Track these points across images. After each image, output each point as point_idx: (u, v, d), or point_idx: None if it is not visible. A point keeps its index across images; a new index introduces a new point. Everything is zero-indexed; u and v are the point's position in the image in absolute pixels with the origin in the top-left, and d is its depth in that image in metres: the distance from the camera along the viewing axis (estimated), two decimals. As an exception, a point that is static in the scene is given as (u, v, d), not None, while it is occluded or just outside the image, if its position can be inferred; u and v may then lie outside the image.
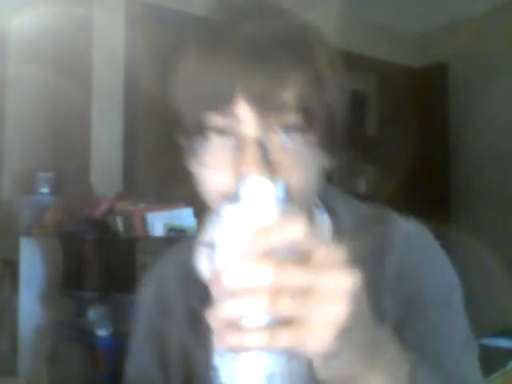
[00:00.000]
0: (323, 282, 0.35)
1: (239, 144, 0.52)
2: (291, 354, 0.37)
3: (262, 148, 0.51)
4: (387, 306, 0.57)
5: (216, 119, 0.53)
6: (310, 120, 0.53)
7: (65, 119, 2.58)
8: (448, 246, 0.65)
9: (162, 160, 2.15)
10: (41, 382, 2.23)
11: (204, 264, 0.65)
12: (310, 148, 0.54)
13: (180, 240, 0.74)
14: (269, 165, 0.51)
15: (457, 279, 0.61)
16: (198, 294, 0.62)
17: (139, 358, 0.70)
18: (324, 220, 0.63)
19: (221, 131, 0.53)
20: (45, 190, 2.48)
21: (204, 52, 0.54)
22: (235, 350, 0.37)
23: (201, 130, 0.54)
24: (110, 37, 2.57)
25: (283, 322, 0.35)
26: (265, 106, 0.51)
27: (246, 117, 0.52)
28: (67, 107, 2.56)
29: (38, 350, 2.24)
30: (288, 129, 0.52)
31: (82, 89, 2.52)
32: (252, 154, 0.50)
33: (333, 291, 0.35)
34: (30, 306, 2.25)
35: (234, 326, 0.36)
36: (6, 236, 2.33)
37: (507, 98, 3.25)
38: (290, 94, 0.51)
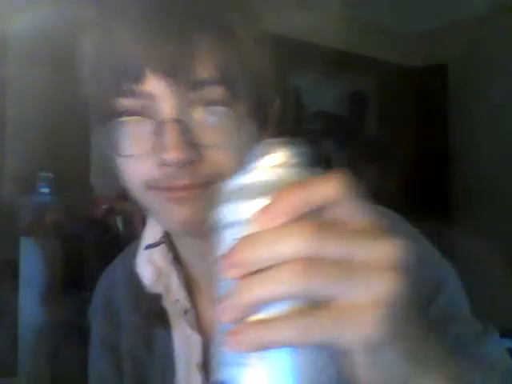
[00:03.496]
0: (368, 251, 0.27)
1: (157, 126, 0.46)
2: (317, 353, 0.28)
3: (183, 128, 0.45)
4: None
5: (127, 101, 0.46)
6: (233, 92, 0.46)
7: (65, 119, 2.58)
8: (448, 246, 0.63)
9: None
10: (41, 382, 2.23)
11: (144, 269, 0.60)
12: (237, 123, 0.47)
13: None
14: (192, 147, 0.45)
15: (446, 267, 0.54)
16: (144, 303, 0.60)
17: (98, 367, 0.67)
18: None
19: (135, 114, 0.47)
20: (45, 190, 2.47)
21: (103, 25, 0.47)
22: (251, 351, 0.27)
23: (113, 116, 0.47)
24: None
25: (316, 306, 0.27)
26: (180, 80, 0.45)
27: (160, 95, 0.45)
28: (67, 107, 2.55)
29: (38, 349, 2.24)
30: (210, 104, 0.46)
31: (82, 89, 2.51)
32: (172, 137, 0.44)
33: (380, 263, 0.27)
34: (30, 305, 2.25)
35: (250, 320, 0.27)
36: (6, 236, 2.33)
37: (507, 98, 3.25)
38: (206, 64, 0.45)
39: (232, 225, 0.29)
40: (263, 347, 0.27)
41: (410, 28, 3.58)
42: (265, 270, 0.27)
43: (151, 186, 0.48)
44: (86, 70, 0.50)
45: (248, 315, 0.27)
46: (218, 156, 0.46)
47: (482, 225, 3.18)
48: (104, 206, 2.25)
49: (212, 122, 0.46)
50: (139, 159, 0.48)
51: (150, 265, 0.60)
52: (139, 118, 0.47)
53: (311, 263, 0.26)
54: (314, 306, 0.27)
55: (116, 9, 0.47)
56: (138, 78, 0.45)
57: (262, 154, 0.30)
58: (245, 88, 0.47)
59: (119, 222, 2.19)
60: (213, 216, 0.30)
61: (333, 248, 0.26)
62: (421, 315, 0.31)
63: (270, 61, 0.51)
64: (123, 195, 2.54)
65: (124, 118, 0.47)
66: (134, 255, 0.63)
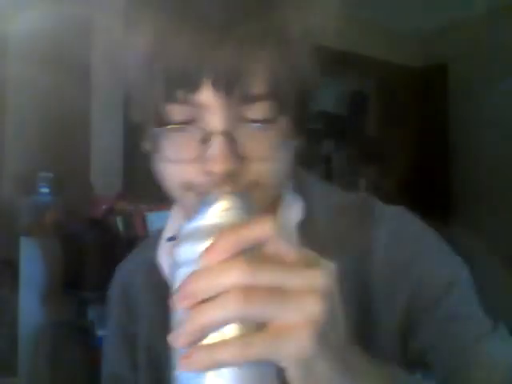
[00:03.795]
0: (296, 279, 0.33)
1: (205, 136, 0.46)
2: (263, 368, 0.33)
3: (230, 140, 0.45)
4: (381, 309, 0.53)
5: (177, 108, 0.47)
6: (281, 106, 0.47)
7: (65, 119, 2.58)
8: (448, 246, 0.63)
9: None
10: (41, 382, 2.23)
11: (165, 261, 0.61)
12: (281, 134, 0.48)
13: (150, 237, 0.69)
14: (237, 158, 0.46)
15: (459, 265, 0.55)
16: (161, 294, 0.59)
17: (112, 367, 0.67)
18: (296, 204, 0.58)
19: (183, 121, 0.47)
20: (45, 190, 2.47)
21: (158, 26, 0.46)
22: (204, 370, 0.32)
23: (161, 120, 0.48)
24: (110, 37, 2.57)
25: (255, 329, 0.32)
26: (235, 94, 0.45)
27: (212, 106, 0.45)
28: (67, 107, 2.56)
29: (38, 349, 2.24)
30: (257, 116, 0.47)
31: (82, 89, 2.52)
32: (219, 149, 0.45)
33: (307, 289, 0.32)
34: (30, 306, 2.25)
35: (200, 343, 0.33)
36: (6, 236, 2.33)
37: (507, 98, 3.25)
38: (260, 79, 0.45)
39: (184, 263, 0.35)
40: (212, 366, 0.32)
41: (410, 28, 3.58)
42: (210, 300, 0.32)
43: (191, 188, 0.49)
44: (136, 71, 0.49)
45: (198, 339, 0.32)
46: (260, 168, 0.47)
47: (482, 225, 3.18)
48: (104, 206, 2.25)
49: (257, 135, 0.47)
50: (184, 165, 0.48)
51: (170, 256, 0.60)
52: (187, 124, 0.47)
53: (247, 292, 0.31)
54: (255, 328, 0.32)
55: (172, 9, 0.45)
56: (194, 87, 0.45)
57: (212, 203, 0.36)
58: (293, 102, 0.48)
59: (119, 222, 2.18)
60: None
61: (265, 278, 0.32)
62: (347, 331, 0.36)
63: (318, 73, 0.52)
64: (123, 195, 2.54)
65: (172, 124, 0.47)
66: (154, 246, 0.63)
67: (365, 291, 0.53)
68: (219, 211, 0.35)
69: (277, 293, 0.32)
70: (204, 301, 0.32)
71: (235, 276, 0.32)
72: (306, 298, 0.32)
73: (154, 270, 0.61)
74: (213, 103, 0.45)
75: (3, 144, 2.58)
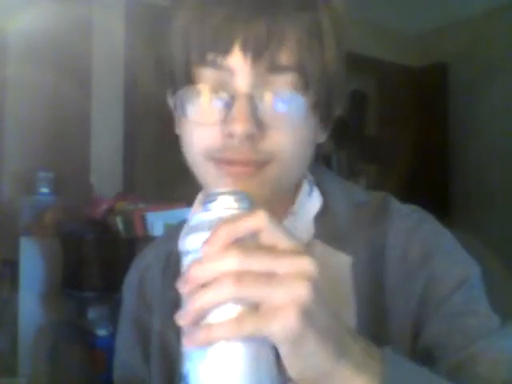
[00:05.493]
0: (285, 266, 0.36)
1: (230, 99, 0.48)
2: (259, 346, 0.37)
3: (253, 105, 0.48)
4: (394, 305, 0.54)
5: (206, 71, 0.49)
6: (307, 81, 0.50)
7: (65, 119, 2.58)
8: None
9: (162, 160, 2.14)
10: (41, 382, 2.23)
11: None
12: (303, 110, 0.50)
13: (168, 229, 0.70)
14: (257, 123, 0.48)
15: (470, 264, 0.56)
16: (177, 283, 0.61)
17: (124, 355, 0.68)
18: (314, 194, 0.60)
19: (212, 84, 0.50)
20: (45, 189, 2.47)
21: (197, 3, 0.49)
22: (204, 346, 0.36)
23: (190, 83, 0.50)
24: (110, 37, 2.57)
25: (248, 310, 0.36)
26: (263, 62, 0.48)
27: (240, 71, 0.48)
28: (67, 107, 2.56)
29: (38, 349, 2.24)
30: (282, 87, 0.49)
31: (82, 89, 2.52)
32: (241, 111, 0.47)
33: (295, 274, 0.36)
34: (30, 305, 2.25)
35: (201, 323, 0.37)
36: (6, 236, 2.33)
37: (507, 98, 3.25)
38: (289, 51, 0.48)
39: (189, 252, 0.39)
40: (211, 342, 0.36)
41: (410, 28, 3.58)
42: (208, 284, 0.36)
43: (212, 156, 0.51)
44: (174, 33, 0.51)
45: (199, 319, 0.37)
46: (278, 137, 0.49)
47: (481, 225, 3.18)
48: (104, 206, 2.25)
49: (280, 105, 0.49)
50: (206, 126, 0.50)
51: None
52: (213, 88, 0.50)
53: (239, 275, 0.35)
54: (251, 310, 0.36)
55: None
56: (224, 51, 0.48)
57: (215, 199, 0.40)
58: (318, 78, 0.50)
59: (119, 221, 2.19)
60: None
61: (257, 264, 0.36)
62: (334, 318, 0.38)
63: (344, 61, 0.55)
64: (123, 195, 2.54)
65: (199, 87, 0.50)
66: (173, 237, 0.63)
67: (379, 287, 0.54)
68: (222, 206, 0.40)
69: (267, 276, 0.36)
70: (204, 285, 0.36)
71: (229, 262, 0.35)
72: (293, 282, 0.36)
73: (172, 260, 0.62)
74: (240, 68, 0.48)
75: (3, 144, 2.58)
